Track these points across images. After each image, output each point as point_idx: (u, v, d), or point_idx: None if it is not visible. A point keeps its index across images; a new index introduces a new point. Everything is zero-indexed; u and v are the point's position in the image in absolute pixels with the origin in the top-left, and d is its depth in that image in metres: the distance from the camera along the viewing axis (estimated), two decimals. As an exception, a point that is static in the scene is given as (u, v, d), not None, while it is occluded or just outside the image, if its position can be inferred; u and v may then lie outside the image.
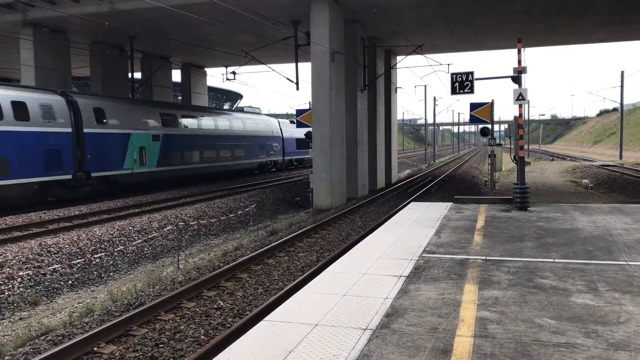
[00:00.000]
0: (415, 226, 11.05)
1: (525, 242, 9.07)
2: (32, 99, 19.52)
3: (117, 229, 15.43)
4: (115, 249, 13.87)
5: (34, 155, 19.22)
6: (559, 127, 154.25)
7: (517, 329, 4.99)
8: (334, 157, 20.99)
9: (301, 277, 10.07)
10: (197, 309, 8.66)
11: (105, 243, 14.29)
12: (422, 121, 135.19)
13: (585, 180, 29.28)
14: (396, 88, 33.30)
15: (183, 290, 9.14)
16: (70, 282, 11.88)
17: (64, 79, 25.71)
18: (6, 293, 10.54)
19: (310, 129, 21.28)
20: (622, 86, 52.51)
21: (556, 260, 7.68)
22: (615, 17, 24.47)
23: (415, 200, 22.13)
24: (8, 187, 18.20)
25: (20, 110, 18.90)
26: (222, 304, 8.93)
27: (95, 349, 6.99)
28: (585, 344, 4.57)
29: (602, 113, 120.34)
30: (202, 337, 7.46)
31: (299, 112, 22.33)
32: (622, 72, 52.03)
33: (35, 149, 19.31)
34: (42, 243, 13.21)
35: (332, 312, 5.63)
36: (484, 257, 7.99)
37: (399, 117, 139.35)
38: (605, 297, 5.89)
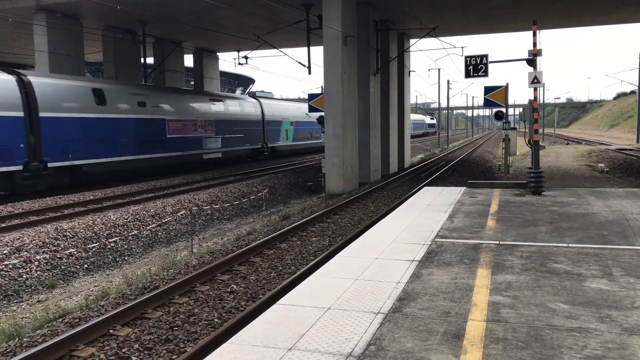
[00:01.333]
0: (428, 211, 11.02)
1: (539, 227, 9.01)
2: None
3: (132, 214, 15.58)
4: (130, 234, 14.03)
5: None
6: (574, 110, 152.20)
7: (530, 313, 4.97)
8: (346, 141, 20.93)
9: (313, 262, 10.11)
10: (210, 293, 8.75)
11: (119, 227, 14.45)
12: (436, 105, 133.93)
13: (601, 165, 28.94)
14: (409, 71, 33.00)
15: (197, 274, 9.23)
16: (86, 266, 12.05)
17: (78, 64, 25.84)
18: (24, 276, 10.72)
19: (322, 113, 21.21)
20: None
21: (570, 245, 7.63)
22: (633, -2, 23.94)
23: (428, 184, 22.05)
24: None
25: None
26: (235, 287, 9.01)
27: (111, 331, 7.10)
28: (599, 329, 4.55)
29: (620, 96, 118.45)
30: (216, 320, 7.54)
31: (311, 96, 22.23)
32: (640, 54, 51.01)
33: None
34: (58, 227, 13.38)
35: (344, 296, 5.65)
36: (497, 242, 7.96)
37: (412, 101, 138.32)
38: (620, 282, 5.85)
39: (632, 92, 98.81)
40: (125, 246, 13.52)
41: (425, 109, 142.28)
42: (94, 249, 12.68)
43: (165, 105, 26.22)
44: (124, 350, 6.59)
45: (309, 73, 23.90)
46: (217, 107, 30.79)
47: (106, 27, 27.57)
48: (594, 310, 5.00)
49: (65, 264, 11.73)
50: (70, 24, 24.90)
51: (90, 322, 7.02)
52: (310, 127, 43.55)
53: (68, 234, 13.12)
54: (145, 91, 25.17)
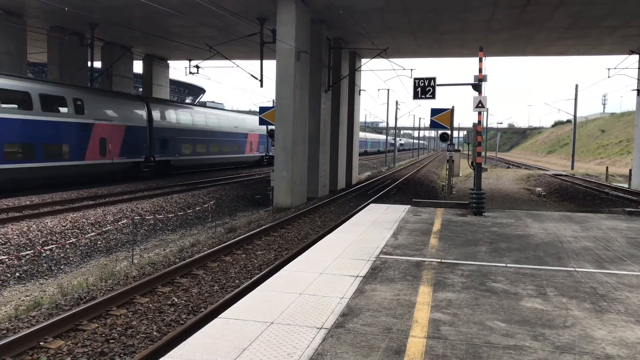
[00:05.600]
0: (373, 227, 11.15)
1: (479, 247, 9.27)
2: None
3: (70, 221, 14.99)
4: (68, 242, 13.47)
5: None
6: (515, 135, 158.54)
7: (469, 331, 5.09)
8: (295, 156, 20.97)
9: (258, 275, 10.02)
10: (150, 305, 8.50)
11: (57, 235, 13.86)
12: (384, 124, 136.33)
13: (539, 189, 30.20)
14: (360, 90, 33.53)
15: (136, 286, 8.96)
16: (17, 274, 11.46)
17: (19, 64, 24.81)
18: (-52, 284, 10.09)
19: (273, 127, 21.20)
20: (576, 99, 54.37)
21: (508, 265, 7.89)
22: (569, 32, 25.34)
23: (374, 202, 22.33)
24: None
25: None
26: (176, 300, 8.80)
27: (41, 343, 6.77)
28: (533, 347, 4.71)
29: (557, 124, 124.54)
30: (155, 333, 7.33)
31: (263, 109, 22.21)
32: (577, 86, 53.90)
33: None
34: (-11, 233, 12.70)
35: (288, 311, 5.62)
36: (439, 260, 8.13)
37: (362, 119, 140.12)
38: (554, 302, 6.09)
39: (568, 121, 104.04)
40: (62, 254, 12.97)
41: (373, 128, 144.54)
42: (27, 257, 12.09)
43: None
44: (54, 363, 6.29)
45: (261, 86, 23.89)
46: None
47: (52, 27, 26.65)
48: (529, 329, 5.17)
49: (-6, 271, 11.12)
50: (13, 22, 23.93)
51: (19, 334, 6.67)
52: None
53: None
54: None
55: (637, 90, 29.99)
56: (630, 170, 32.27)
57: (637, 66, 29.68)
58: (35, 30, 25.87)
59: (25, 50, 25.42)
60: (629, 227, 11.78)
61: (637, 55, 29.35)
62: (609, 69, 30.48)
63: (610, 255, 8.73)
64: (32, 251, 12.31)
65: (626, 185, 32.13)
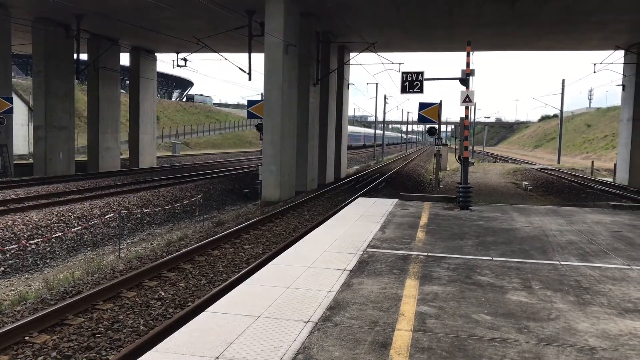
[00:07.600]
0: (361, 221, 11.18)
1: (465, 240, 9.34)
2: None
3: (56, 215, 14.86)
4: (54, 235, 13.36)
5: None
6: (502, 130, 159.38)
7: (455, 324, 5.13)
8: (284, 149, 20.93)
9: (246, 269, 10.01)
10: (137, 299, 8.47)
11: (42, 229, 13.74)
12: (373, 118, 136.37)
13: (525, 183, 30.43)
14: (348, 84, 33.50)
15: (123, 280, 8.92)
16: (2, 268, 11.36)
17: (4, 56, 24.46)
18: None
19: (261, 121, 21.11)
20: (562, 94, 54.79)
21: (494, 259, 7.96)
22: (558, 27, 25.48)
23: (362, 195, 22.38)
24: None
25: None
26: (163, 294, 8.77)
27: (26, 338, 6.72)
28: (518, 339, 4.76)
29: (544, 119, 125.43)
30: (142, 327, 7.31)
31: (251, 102, 22.09)
32: (563, 81, 54.32)
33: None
34: (-27, 227, 12.56)
35: (275, 305, 5.63)
36: (426, 254, 8.18)
37: (350, 113, 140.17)
38: (538, 295, 6.15)
39: (555, 116, 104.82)
40: (48, 249, 12.87)
41: (362, 122, 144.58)
42: (12, 251, 11.97)
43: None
44: (39, 358, 6.26)
45: (250, 79, 23.88)
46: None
47: (37, 18, 26.26)
48: (514, 322, 5.23)
49: (-21, 266, 11.00)
50: (-2, 12, 23.57)
51: (4, 329, 6.62)
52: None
53: (-16, 234, 12.34)
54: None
55: (622, 85, 30.27)
56: (615, 164, 32.62)
57: (622, 61, 29.95)
58: (20, 21, 25.49)
59: (10, 42, 25.06)
60: (613, 221, 11.93)
61: (623, 51, 29.61)
62: (595, 64, 30.73)
63: (594, 248, 8.83)
64: (17, 245, 12.19)
65: (611, 180, 32.49)
